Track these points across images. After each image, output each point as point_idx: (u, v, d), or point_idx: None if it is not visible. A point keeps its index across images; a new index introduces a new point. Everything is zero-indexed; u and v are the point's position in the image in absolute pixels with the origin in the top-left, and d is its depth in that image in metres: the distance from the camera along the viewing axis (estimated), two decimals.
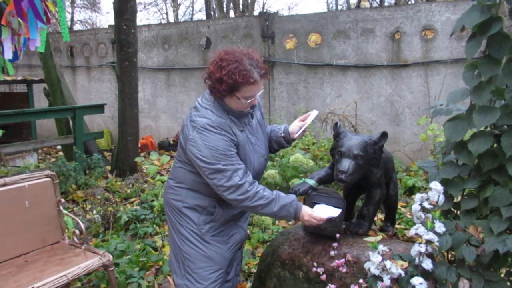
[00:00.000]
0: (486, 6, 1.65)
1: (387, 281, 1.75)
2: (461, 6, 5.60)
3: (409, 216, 3.74)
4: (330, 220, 2.02)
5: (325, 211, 2.03)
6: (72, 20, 16.74)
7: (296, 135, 2.21)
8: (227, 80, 1.80)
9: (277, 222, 3.98)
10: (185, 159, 2.00)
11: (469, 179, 1.93)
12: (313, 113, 2.21)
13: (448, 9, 5.74)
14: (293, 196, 1.99)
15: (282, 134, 2.21)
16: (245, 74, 1.80)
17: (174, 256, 2.15)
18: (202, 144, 1.84)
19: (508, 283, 1.84)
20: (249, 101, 1.90)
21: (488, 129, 1.87)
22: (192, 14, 17.72)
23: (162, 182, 4.95)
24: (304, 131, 2.21)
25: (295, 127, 2.21)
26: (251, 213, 2.44)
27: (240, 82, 1.81)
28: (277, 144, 2.24)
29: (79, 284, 2.95)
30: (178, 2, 17.22)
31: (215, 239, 2.06)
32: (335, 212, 2.02)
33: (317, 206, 2.09)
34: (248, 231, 2.52)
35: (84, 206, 4.67)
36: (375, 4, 14.74)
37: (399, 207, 3.92)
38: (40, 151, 7.92)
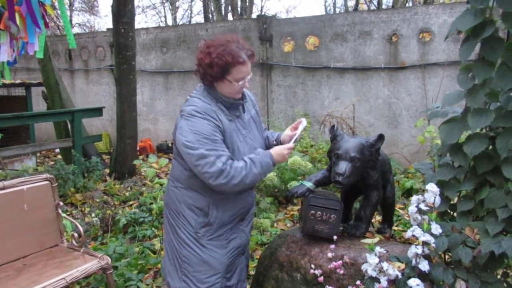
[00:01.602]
0: (480, 9, 1.66)
1: (384, 282, 1.76)
2: (458, 9, 5.63)
3: (407, 218, 3.75)
4: (327, 222, 2.04)
5: (298, 132, 2.13)
6: (70, 23, 16.74)
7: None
8: (218, 62, 1.87)
9: (275, 224, 3.98)
10: (179, 155, 2.02)
11: (464, 181, 1.94)
12: (303, 123, 2.20)
13: (445, 11, 5.77)
14: (259, 150, 2.02)
15: (274, 142, 2.24)
16: (234, 54, 1.87)
17: (170, 259, 2.15)
18: (188, 129, 1.88)
19: (505, 284, 1.85)
20: (240, 83, 1.94)
21: (483, 131, 1.89)
22: (191, 17, 17.74)
23: (161, 184, 4.95)
24: (295, 141, 2.19)
25: (286, 137, 2.21)
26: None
27: (230, 62, 1.87)
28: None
29: (78, 287, 2.96)
30: (176, 6, 17.26)
31: (212, 243, 2.05)
32: (302, 126, 2.11)
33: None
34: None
35: (83, 209, 4.67)
36: (372, 7, 14.79)
37: (397, 209, 3.94)
38: (38, 154, 7.93)
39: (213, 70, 1.89)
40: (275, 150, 2.03)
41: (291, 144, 2.07)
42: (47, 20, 2.86)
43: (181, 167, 2.04)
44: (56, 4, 3.03)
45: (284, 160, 2.08)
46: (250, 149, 2.04)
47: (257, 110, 2.23)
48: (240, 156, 1.98)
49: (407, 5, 13.31)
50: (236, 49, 1.89)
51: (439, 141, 4.17)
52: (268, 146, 2.24)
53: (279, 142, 2.22)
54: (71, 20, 16.47)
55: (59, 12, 3.00)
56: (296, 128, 2.20)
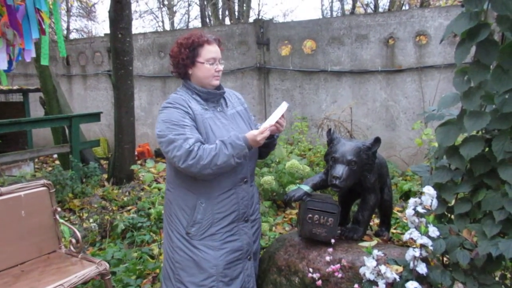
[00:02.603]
0: (474, 13, 1.68)
1: (382, 285, 1.76)
2: (454, 12, 5.65)
3: (405, 221, 3.75)
4: (324, 225, 2.04)
5: (272, 117, 1.99)
6: (68, 29, 16.75)
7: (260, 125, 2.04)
8: (185, 43, 2.00)
9: (274, 228, 3.98)
10: (161, 150, 2.05)
11: (461, 183, 1.95)
12: (282, 105, 2.04)
13: (440, 14, 5.80)
14: (232, 132, 1.98)
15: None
16: (199, 35, 2.01)
17: (165, 265, 2.16)
18: (160, 120, 1.97)
19: (503, 286, 1.85)
20: (212, 65, 2.01)
21: (479, 133, 1.90)
22: (188, 22, 17.78)
23: (159, 189, 4.94)
24: (275, 126, 2.00)
25: (265, 125, 2.03)
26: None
27: (196, 42, 1.99)
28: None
29: None
30: (174, 10, 17.29)
31: (203, 243, 2.01)
32: (281, 109, 2.00)
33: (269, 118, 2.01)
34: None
35: (81, 214, 4.66)
36: (369, 11, 14.85)
37: (395, 211, 3.94)
38: (36, 160, 7.90)
39: (183, 54, 2.00)
40: (249, 133, 1.97)
41: (261, 128, 1.95)
42: (43, 26, 2.87)
43: (169, 167, 2.08)
44: (52, 10, 3.03)
45: (258, 144, 1.97)
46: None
47: (245, 107, 2.24)
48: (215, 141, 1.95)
49: (403, 8, 13.37)
50: (201, 32, 2.04)
51: (436, 144, 4.18)
52: None
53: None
54: (68, 26, 16.50)
55: (54, 19, 2.98)
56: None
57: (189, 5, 17.88)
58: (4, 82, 3.20)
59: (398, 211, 4.13)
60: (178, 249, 2.05)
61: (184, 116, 1.94)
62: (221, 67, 2.06)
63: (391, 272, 1.77)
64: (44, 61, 3.05)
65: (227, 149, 1.89)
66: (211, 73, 2.03)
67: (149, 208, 4.33)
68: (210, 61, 2.01)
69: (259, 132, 1.94)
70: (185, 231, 2.03)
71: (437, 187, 1.95)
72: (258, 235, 2.24)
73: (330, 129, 2.18)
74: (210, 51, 2.01)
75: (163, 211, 2.22)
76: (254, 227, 2.18)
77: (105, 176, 6.30)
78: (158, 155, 7.83)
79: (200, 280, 2.01)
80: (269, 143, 2.16)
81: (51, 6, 3.09)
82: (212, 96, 2.07)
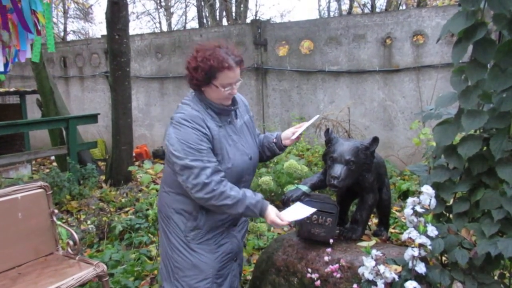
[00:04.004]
0: (471, 12, 1.67)
1: (381, 285, 1.76)
2: (451, 11, 5.66)
3: (404, 220, 3.75)
4: (323, 225, 2.03)
5: (297, 212, 1.97)
6: (65, 30, 16.73)
7: (288, 141, 2.20)
8: (203, 66, 1.86)
9: (272, 228, 3.97)
10: (169, 161, 2.00)
11: (460, 183, 1.95)
12: (310, 120, 2.20)
13: (438, 14, 5.81)
14: (260, 195, 1.96)
15: (274, 140, 2.22)
16: (220, 59, 1.85)
17: (164, 263, 2.15)
18: (175, 137, 1.87)
19: (502, 285, 1.85)
20: (227, 89, 1.91)
21: (477, 132, 1.90)
22: (185, 23, 17.76)
23: (157, 190, 4.93)
24: (298, 137, 2.20)
25: (288, 132, 2.21)
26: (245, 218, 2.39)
27: (215, 67, 1.85)
28: (269, 151, 2.23)
29: None
30: (171, 11, 17.28)
31: (201, 247, 2.02)
32: (307, 211, 1.97)
33: (291, 206, 2.04)
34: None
35: (78, 216, 4.64)
36: (366, 11, 14.87)
37: (393, 211, 3.94)
38: (33, 162, 7.88)
39: (198, 74, 1.89)
40: (271, 210, 1.92)
41: (285, 222, 1.93)
42: (39, 28, 2.86)
43: (171, 172, 2.03)
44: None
45: (272, 223, 1.93)
46: (241, 154, 2.02)
47: (251, 115, 2.22)
48: (230, 162, 1.95)
49: (400, 8, 13.40)
50: (223, 54, 1.88)
51: (434, 143, 4.18)
52: (268, 147, 2.22)
53: (279, 140, 2.20)
54: (65, 27, 16.48)
55: (45, 16, 2.98)
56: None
57: (186, 6, 17.89)
58: (2, 77, 3.20)
59: (396, 210, 4.13)
60: (176, 249, 2.05)
61: (202, 138, 1.86)
62: (236, 89, 1.98)
63: (390, 272, 1.77)
64: (35, 58, 3.08)
65: (241, 208, 1.87)
66: (225, 95, 1.94)
67: (147, 210, 4.32)
68: (226, 86, 1.91)
69: (280, 223, 1.90)
70: (183, 235, 2.03)
71: (435, 186, 1.95)
72: (244, 237, 2.28)
73: (328, 129, 2.17)
74: (229, 77, 1.89)
75: (158, 210, 2.20)
76: (242, 230, 2.23)
77: (103, 177, 6.28)
78: (156, 156, 7.82)
79: (196, 281, 2.02)
80: (277, 151, 2.23)
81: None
82: (226, 112, 2.01)
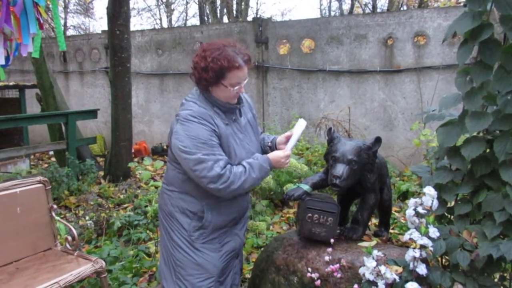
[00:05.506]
0: (477, 12, 1.66)
1: (381, 286, 1.75)
2: (453, 13, 5.65)
3: (403, 221, 3.75)
4: (323, 225, 2.03)
5: (293, 138, 2.10)
6: (65, 25, 16.67)
7: (282, 146, 2.13)
8: (213, 66, 1.84)
9: (271, 227, 3.97)
10: (174, 159, 2.00)
11: (462, 184, 1.94)
12: (300, 123, 2.14)
13: (439, 15, 5.80)
14: (257, 154, 2.01)
15: (269, 143, 2.22)
16: (230, 58, 1.84)
17: (165, 262, 2.13)
18: (184, 134, 1.86)
19: None
20: (235, 88, 1.91)
21: (481, 134, 1.89)
22: (186, 20, 17.74)
23: (156, 187, 4.92)
24: (293, 147, 2.12)
25: (282, 138, 2.17)
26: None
27: (225, 67, 1.84)
28: (264, 153, 2.20)
29: None
30: (172, 8, 17.23)
31: (205, 246, 2.03)
32: (301, 126, 2.08)
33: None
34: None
35: (77, 212, 4.62)
36: (367, 11, 14.85)
37: (393, 212, 3.93)
38: (32, 157, 7.85)
39: (208, 75, 1.87)
40: (273, 156, 2.03)
41: (288, 152, 2.04)
42: (42, 22, 2.84)
43: (176, 171, 2.02)
44: (50, 6, 3.02)
45: (282, 167, 2.07)
46: (247, 153, 2.02)
47: (254, 113, 2.21)
48: (237, 160, 1.96)
49: (402, 8, 13.38)
50: (232, 53, 1.86)
51: (434, 144, 4.19)
52: (262, 148, 2.22)
53: (274, 145, 2.19)
54: (66, 22, 16.42)
55: (53, 13, 2.98)
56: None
57: (187, 3, 17.85)
58: (2, 77, 3.18)
59: (395, 211, 4.13)
60: (180, 248, 2.03)
61: (212, 134, 1.87)
62: (243, 88, 1.98)
63: (390, 273, 1.76)
64: (35, 54, 3.07)
65: (254, 173, 1.92)
66: (233, 94, 1.94)
67: (146, 206, 4.31)
68: (235, 85, 1.91)
69: (285, 156, 2.00)
70: (187, 234, 2.02)
71: (438, 187, 1.94)
72: (244, 234, 2.31)
73: (330, 128, 2.16)
74: (237, 76, 1.89)
75: (159, 208, 2.19)
76: (244, 227, 2.25)
77: (102, 173, 6.26)
78: (155, 153, 7.80)
79: (199, 280, 2.02)
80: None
81: (48, 2, 3.07)
82: (232, 110, 2.02)
